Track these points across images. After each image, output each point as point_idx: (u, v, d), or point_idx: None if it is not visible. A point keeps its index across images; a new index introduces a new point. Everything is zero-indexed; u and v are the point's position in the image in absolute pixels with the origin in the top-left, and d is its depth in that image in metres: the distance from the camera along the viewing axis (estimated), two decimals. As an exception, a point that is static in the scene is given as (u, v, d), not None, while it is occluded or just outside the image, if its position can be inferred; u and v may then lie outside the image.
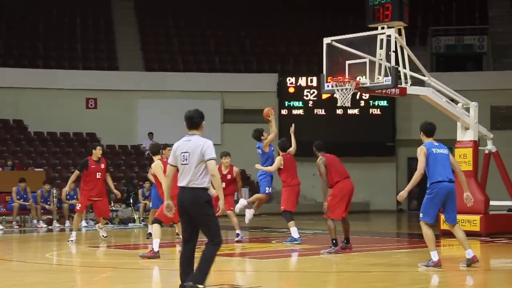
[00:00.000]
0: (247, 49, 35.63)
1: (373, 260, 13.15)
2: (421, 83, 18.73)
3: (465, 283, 10.98)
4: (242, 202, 16.39)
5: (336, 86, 16.38)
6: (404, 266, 12.50)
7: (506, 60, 34.04)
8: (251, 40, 35.96)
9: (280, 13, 36.50)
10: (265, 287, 10.31)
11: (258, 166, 16.16)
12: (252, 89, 32.47)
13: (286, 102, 32.17)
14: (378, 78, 16.09)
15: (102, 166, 16.62)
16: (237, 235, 16.35)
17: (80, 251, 15.42)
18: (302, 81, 32.12)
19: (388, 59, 16.04)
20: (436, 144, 11.73)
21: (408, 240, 18.46)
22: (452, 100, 18.57)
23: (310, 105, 32.04)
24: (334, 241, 13.86)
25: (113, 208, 23.46)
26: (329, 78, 16.72)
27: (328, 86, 16.80)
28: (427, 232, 11.55)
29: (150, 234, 16.44)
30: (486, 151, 19.27)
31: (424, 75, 17.89)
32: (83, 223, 22.18)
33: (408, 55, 16.87)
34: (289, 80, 32.22)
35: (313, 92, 31.74)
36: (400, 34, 16.64)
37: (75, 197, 22.61)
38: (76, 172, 16.80)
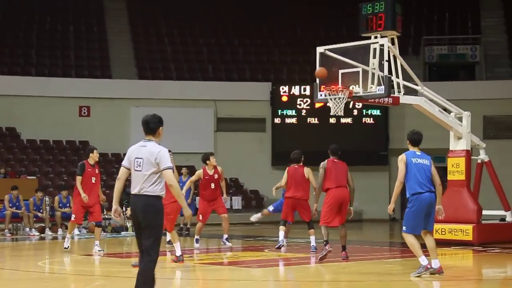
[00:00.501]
0: (240, 57, 35.67)
1: (367, 269, 13.16)
2: (414, 92, 18.77)
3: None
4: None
5: (329, 95, 16.39)
6: (398, 275, 12.50)
7: (499, 70, 34.15)
8: (244, 48, 35.99)
9: (273, 22, 36.56)
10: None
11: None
12: (246, 97, 32.51)
13: (279, 111, 32.20)
14: (371, 87, 16.12)
15: (97, 171, 16.38)
16: (226, 239, 16.81)
17: (73, 260, 15.37)
18: (296, 90, 32.17)
19: (381, 68, 16.08)
20: (419, 153, 11.73)
21: (401, 249, 18.45)
22: (445, 109, 18.61)
23: (303, 114, 32.07)
24: (324, 242, 13.94)
25: (106, 216, 23.39)
26: (322, 87, 16.74)
27: (321, 95, 16.82)
28: (411, 241, 11.56)
29: (169, 241, 16.58)
30: (479, 161, 19.31)
31: (417, 85, 17.93)
32: (76, 231, 22.11)
33: (401, 64, 16.91)
34: (283, 88, 32.26)
35: (306, 101, 31.79)
36: (393, 43, 16.68)
37: (68, 205, 22.57)
38: (79, 177, 16.16)
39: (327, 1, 36.65)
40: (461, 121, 18.38)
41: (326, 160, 14.25)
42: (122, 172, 8.60)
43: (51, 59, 33.64)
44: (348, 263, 13.88)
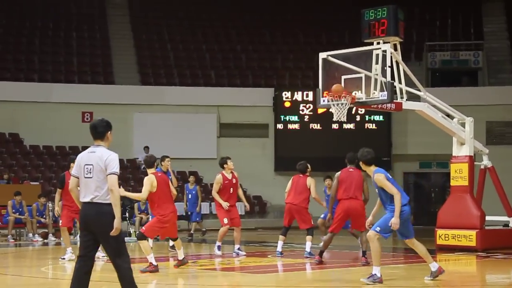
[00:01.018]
0: (243, 63, 35.70)
1: (369, 275, 13.12)
2: (416, 98, 18.77)
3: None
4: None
5: (332, 100, 16.40)
6: (401, 281, 12.49)
7: (502, 76, 34.14)
8: (247, 54, 36.03)
9: (276, 28, 36.60)
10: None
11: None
12: (248, 103, 32.54)
13: (282, 117, 32.22)
14: (374, 93, 16.13)
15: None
16: (239, 249, 16.35)
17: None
18: (298, 96, 32.19)
19: (383, 74, 16.08)
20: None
21: (404, 255, 18.43)
22: (448, 115, 18.61)
23: (306, 119, 32.09)
24: (320, 252, 14.39)
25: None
26: (325, 92, 16.75)
27: (324, 100, 16.82)
28: (377, 246, 11.39)
29: (172, 246, 16.49)
30: (482, 167, 19.29)
31: (419, 90, 17.94)
32: (77, 238, 22.15)
33: (404, 70, 16.91)
34: (285, 94, 32.28)
35: (309, 107, 31.81)
36: (395, 49, 16.68)
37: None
38: (59, 190, 16.17)
39: (330, 7, 36.70)
40: (464, 127, 18.38)
41: (340, 171, 14.40)
42: (72, 182, 8.32)
43: (54, 65, 33.69)
44: (349, 268, 13.88)
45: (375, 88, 16.08)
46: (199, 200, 22.77)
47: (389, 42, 16.45)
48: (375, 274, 11.38)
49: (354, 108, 17.70)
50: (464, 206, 18.10)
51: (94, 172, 8.08)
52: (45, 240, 22.19)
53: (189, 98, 32.40)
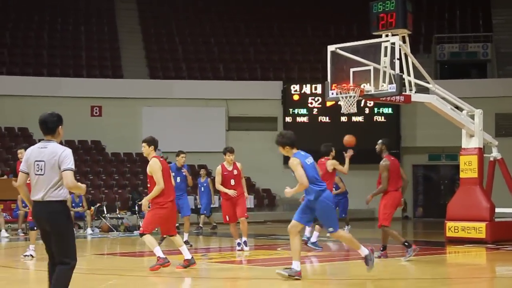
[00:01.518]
0: (251, 56, 35.69)
1: (377, 267, 13.13)
2: (425, 90, 18.74)
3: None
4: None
5: (341, 93, 16.40)
6: (410, 273, 12.48)
7: (511, 68, 34.03)
8: (255, 47, 36.02)
9: (284, 21, 36.57)
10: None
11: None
12: (257, 96, 32.55)
13: (291, 110, 32.22)
14: (383, 85, 16.12)
15: None
16: (245, 242, 15.80)
17: (85, 259, 15.40)
18: (307, 89, 32.17)
19: (392, 66, 16.07)
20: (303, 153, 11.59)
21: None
22: (457, 107, 18.58)
23: (314, 112, 32.08)
24: (406, 243, 13.75)
25: (119, 215, 23.52)
26: (333, 85, 16.75)
27: (332, 93, 16.83)
28: (297, 241, 11.09)
29: (186, 241, 16.37)
30: (491, 158, 19.25)
31: (428, 83, 17.90)
32: (89, 231, 22.24)
33: (413, 63, 16.89)
34: (294, 87, 32.27)
35: (318, 100, 31.78)
36: (404, 41, 16.66)
37: (81, 204, 22.73)
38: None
39: (338, 0, 36.64)
40: (473, 119, 18.34)
41: (385, 159, 14.06)
42: (21, 178, 7.86)
43: (62, 59, 33.73)
44: (357, 261, 13.87)
45: (383, 81, 16.07)
46: (212, 192, 22.85)
47: (397, 35, 16.44)
48: (293, 268, 11.00)
49: (363, 101, 17.67)
50: (474, 198, 18.08)
51: (46, 169, 7.64)
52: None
53: (198, 91, 32.43)
